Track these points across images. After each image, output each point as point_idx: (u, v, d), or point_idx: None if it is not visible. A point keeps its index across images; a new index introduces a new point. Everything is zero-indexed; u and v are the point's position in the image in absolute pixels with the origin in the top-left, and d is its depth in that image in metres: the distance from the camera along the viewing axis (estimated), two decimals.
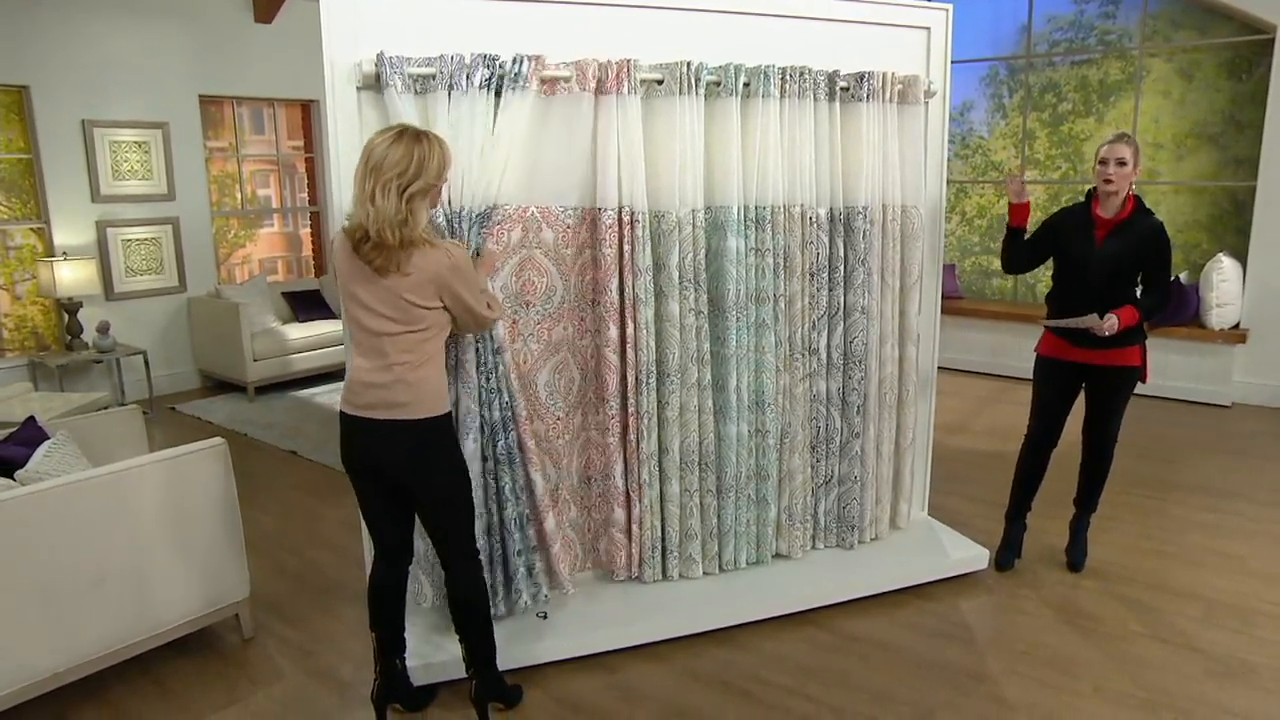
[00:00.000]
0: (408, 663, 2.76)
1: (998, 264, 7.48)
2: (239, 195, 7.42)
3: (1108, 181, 3.26)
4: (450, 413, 2.55)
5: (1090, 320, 3.25)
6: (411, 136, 2.33)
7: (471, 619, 2.63)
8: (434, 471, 2.50)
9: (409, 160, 2.30)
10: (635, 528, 3.26)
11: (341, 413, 2.50)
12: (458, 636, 2.67)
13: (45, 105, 6.01)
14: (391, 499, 2.57)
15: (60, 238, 6.17)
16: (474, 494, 2.76)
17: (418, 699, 2.78)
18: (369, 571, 2.69)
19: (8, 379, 5.86)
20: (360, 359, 2.45)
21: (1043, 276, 7.25)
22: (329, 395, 6.58)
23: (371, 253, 2.33)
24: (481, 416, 2.92)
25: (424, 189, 2.33)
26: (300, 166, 7.80)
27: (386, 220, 2.28)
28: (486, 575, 2.82)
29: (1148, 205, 3.38)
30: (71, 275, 5.92)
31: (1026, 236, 3.59)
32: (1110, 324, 3.22)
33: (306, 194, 7.86)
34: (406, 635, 2.73)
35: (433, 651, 2.90)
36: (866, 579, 3.46)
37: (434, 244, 2.39)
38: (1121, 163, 3.23)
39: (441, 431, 2.50)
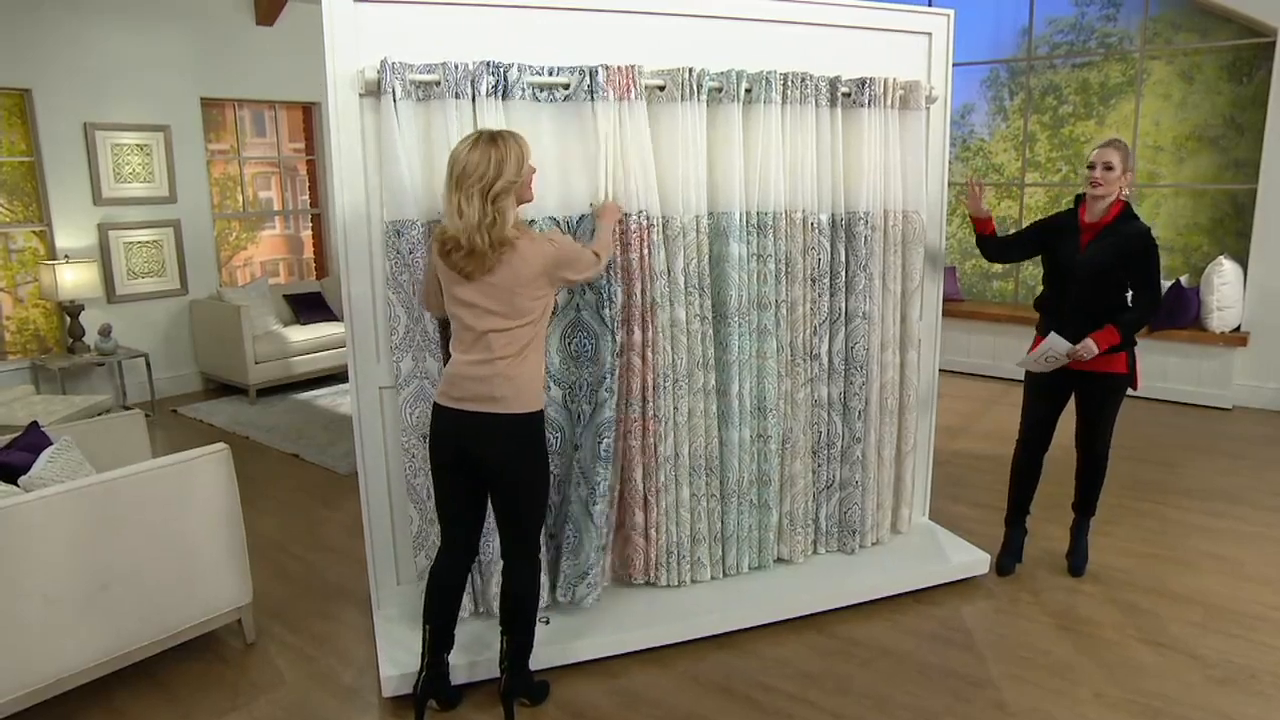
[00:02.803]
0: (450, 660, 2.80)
1: (999, 266, 7.50)
2: (240, 197, 7.43)
3: (1095, 185, 3.30)
4: (543, 410, 2.61)
5: (1057, 344, 3.26)
6: (487, 139, 2.40)
7: (519, 615, 2.69)
8: (524, 467, 2.58)
9: (487, 163, 2.37)
10: (653, 532, 3.26)
11: (436, 404, 2.57)
12: (500, 630, 2.72)
13: (47, 108, 6.02)
14: (472, 493, 2.64)
15: (62, 240, 6.18)
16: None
17: (453, 697, 2.81)
18: (431, 565, 2.71)
19: (10, 382, 5.87)
20: (461, 353, 2.53)
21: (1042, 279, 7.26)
22: (330, 398, 6.59)
23: (463, 261, 2.42)
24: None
25: (506, 188, 2.40)
26: (301, 169, 7.81)
27: (474, 226, 2.37)
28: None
29: (1137, 211, 3.41)
30: (73, 278, 5.93)
31: (1014, 232, 3.64)
32: (1086, 348, 3.24)
33: (308, 196, 7.87)
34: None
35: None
36: (868, 584, 3.46)
37: (532, 237, 2.49)
38: (1109, 167, 3.26)
39: (535, 427, 2.57)
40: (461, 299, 2.49)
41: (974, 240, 3.73)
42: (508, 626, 2.70)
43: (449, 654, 2.75)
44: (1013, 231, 3.70)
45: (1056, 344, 3.30)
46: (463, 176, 2.38)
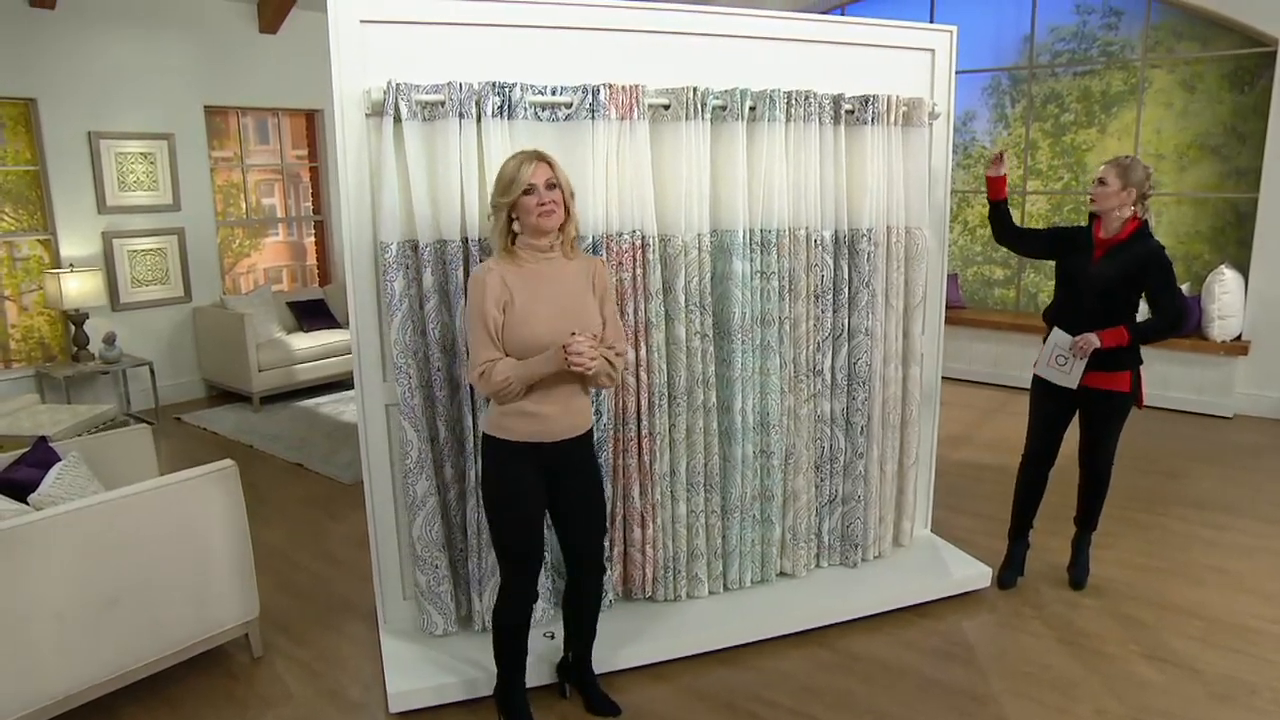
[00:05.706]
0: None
1: (1000, 273, 7.51)
2: (244, 205, 7.45)
3: (1092, 200, 3.36)
4: (494, 438, 2.53)
5: (1060, 338, 3.30)
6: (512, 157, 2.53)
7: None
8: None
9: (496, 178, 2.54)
10: (649, 548, 3.29)
11: None
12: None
13: (52, 117, 6.04)
14: None
15: (66, 249, 6.21)
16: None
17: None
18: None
19: (14, 390, 5.89)
20: None
21: (1045, 287, 7.28)
22: (334, 405, 6.61)
23: None
24: None
25: (494, 204, 2.52)
26: (305, 176, 7.83)
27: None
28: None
29: (1151, 228, 3.40)
30: (78, 286, 5.95)
31: (1032, 226, 3.64)
32: (1086, 339, 3.26)
33: (311, 203, 7.89)
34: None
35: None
36: (870, 598, 3.48)
37: (486, 271, 2.51)
38: (1101, 182, 3.31)
39: (484, 448, 2.61)
40: None
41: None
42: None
43: (571, 653, 2.91)
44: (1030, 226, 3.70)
45: (1059, 339, 3.35)
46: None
